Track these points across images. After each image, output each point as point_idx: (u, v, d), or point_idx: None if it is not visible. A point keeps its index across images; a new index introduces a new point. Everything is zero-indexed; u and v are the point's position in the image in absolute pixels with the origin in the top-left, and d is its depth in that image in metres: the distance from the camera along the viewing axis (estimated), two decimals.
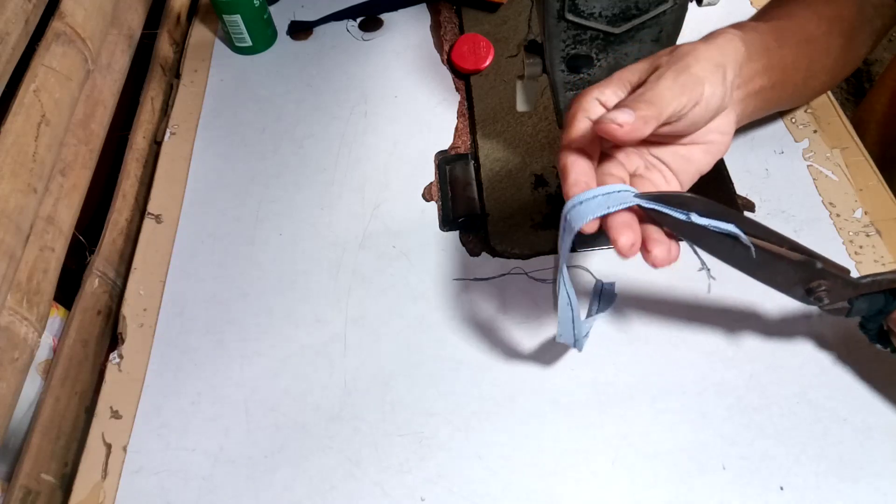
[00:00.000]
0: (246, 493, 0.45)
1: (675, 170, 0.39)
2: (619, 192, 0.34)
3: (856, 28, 0.47)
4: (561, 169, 0.35)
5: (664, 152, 0.39)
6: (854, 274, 0.38)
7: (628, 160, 0.39)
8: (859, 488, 0.41)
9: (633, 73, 0.37)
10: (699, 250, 0.36)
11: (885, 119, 0.66)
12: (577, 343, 0.41)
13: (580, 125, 0.35)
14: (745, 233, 0.34)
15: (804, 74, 0.45)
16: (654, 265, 0.34)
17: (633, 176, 0.39)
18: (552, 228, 0.55)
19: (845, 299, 0.39)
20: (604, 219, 0.34)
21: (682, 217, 0.33)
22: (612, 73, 0.37)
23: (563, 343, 0.41)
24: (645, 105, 0.34)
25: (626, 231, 0.33)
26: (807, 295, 0.38)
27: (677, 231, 0.34)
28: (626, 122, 0.33)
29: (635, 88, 0.36)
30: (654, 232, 0.34)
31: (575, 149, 0.35)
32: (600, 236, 0.53)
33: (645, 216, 0.35)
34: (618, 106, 0.34)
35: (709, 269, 0.38)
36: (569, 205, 0.34)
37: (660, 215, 0.34)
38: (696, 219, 0.33)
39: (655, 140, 0.38)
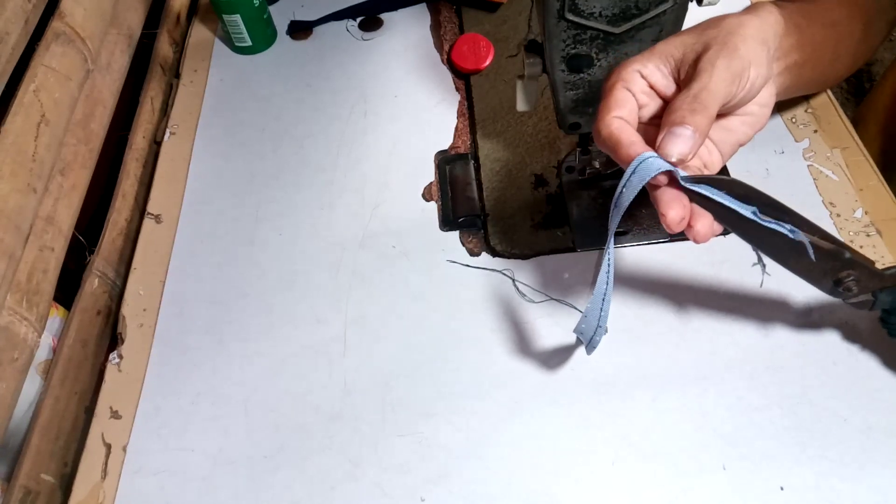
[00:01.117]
0: (246, 494, 0.45)
1: (716, 140, 0.39)
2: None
3: (873, 16, 0.49)
4: (607, 137, 0.34)
5: None
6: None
7: None
8: (859, 488, 0.41)
9: (675, 47, 0.36)
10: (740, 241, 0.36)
11: (887, 120, 0.66)
12: (591, 341, 0.40)
13: (620, 94, 0.35)
14: (794, 225, 0.34)
15: (831, 55, 0.46)
16: (696, 240, 0.34)
17: None
18: (552, 228, 0.55)
19: (871, 291, 0.39)
20: (653, 192, 0.34)
21: (747, 214, 0.33)
22: (654, 45, 0.37)
23: (577, 335, 0.41)
24: (700, 109, 0.33)
25: (676, 205, 0.33)
26: (835, 286, 0.38)
27: (722, 219, 0.34)
28: (693, 149, 0.33)
29: (678, 64, 0.36)
30: (697, 206, 0.34)
31: (617, 117, 0.35)
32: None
33: (687, 192, 0.34)
34: (671, 110, 0.34)
35: (764, 265, 0.38)
36: (637, 160, 0.33)
37: (712, 203, 0.33)
38: (761, 219, 0.33)
39: None
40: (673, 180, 0.34)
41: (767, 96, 0.39)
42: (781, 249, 0.36)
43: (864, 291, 0.39)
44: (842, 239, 0.51)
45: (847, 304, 0.40)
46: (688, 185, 0.33)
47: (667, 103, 0.37)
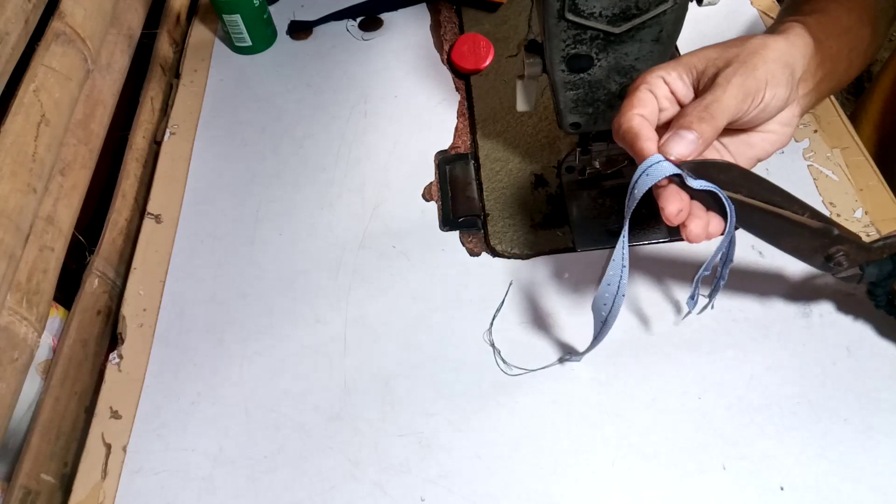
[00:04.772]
0: (246, 494, 0.45)
1: (733, 152, 0.41)
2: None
3: (877, 17, 0.49)
4: (627, 130, 0.36)
5: (724, 134, 0.40)
6: None
7: None
8: (859, 488, 0.41)
9: (699, 59, 0.38)
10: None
11: (881, 120, 0.66)
12: (612, 311, 0.41)
13: (643, 95, 0.37)
14: (773, 203, 0.36)
15: (846, 64, 0.47)
16: (690, 239, 0.36)
17: None
18: (552, 228, 0.55)
19: (859, 264, 0.40)
20: (655, 189, 0.36)
21: (693, 184, 0.35)
22: (680, 56, 0.38)
23: (594, 312, 0.41)
24: (708, 119, 0.35)
25: (675, 199, 0.35)
26: (826, 262, 0.39)
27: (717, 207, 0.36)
28: (693, 153, 0.35)
29: (699, 76, 0.37)
30: (695, 208, 0.36)
31: (639, 114, 0.36)
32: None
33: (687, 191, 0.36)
34: (682, 114, 0.36)
35: (695, 302, 0.42)
36: (652, 159, 0.35)
37: (703, 194, 0.35)
38: (700, 185, 0.35)
39: None
40: (675, 183, 0.35)
41: (790, 117, 0.40)
42: (772, 230, 0.38)
43: (853, 265, 0.40)
44: None
45: (837, 279, 0.42)
46: (690, 185, 0.35)
47: None
